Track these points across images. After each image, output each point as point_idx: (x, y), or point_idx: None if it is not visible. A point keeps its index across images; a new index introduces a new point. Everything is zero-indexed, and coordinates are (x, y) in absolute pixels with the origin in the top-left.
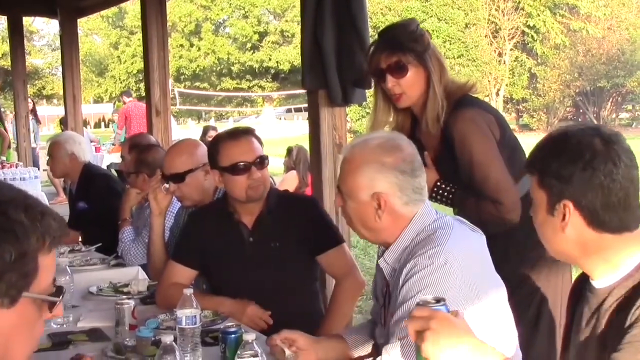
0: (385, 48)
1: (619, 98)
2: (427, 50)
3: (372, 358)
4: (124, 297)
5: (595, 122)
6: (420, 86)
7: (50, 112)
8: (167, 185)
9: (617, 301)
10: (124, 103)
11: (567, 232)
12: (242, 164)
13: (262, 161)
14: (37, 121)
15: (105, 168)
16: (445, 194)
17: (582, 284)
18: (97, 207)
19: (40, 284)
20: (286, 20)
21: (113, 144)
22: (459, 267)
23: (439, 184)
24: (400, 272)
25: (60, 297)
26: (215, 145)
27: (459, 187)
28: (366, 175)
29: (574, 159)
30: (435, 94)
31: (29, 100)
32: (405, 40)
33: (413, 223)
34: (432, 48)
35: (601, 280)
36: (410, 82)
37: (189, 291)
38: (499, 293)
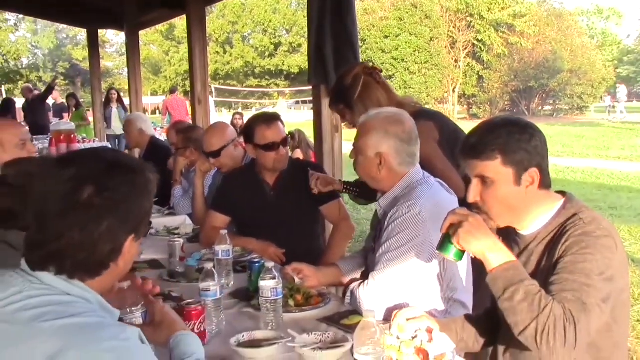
0: (329, 101)
1: (544, 95)
2: (354, 98)
3: (360, 281)
4: (175, 237)
5: (527, 113)
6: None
7: None
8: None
9: (542, 244)
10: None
11: (528, 194)
12: (272, 143)
13: (285, 141)
14: (124, 109)
15: None
16: None
17: (508, 232)
18: (157, 170)
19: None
20: (293, 35)
21: (161, 127)
22: (430, 217)
23: None
24: (388, 213)
25: (150, 226)
26: (252, 126)
27: None
28: (374, 138)
29: (532, 135)
30: None
31: (114, 91)
32: (336, 97)
33: (404, 180)
34: (362, 91)
35: (527, 229)
36: (350, 120)
37: (224, 232)
38: None
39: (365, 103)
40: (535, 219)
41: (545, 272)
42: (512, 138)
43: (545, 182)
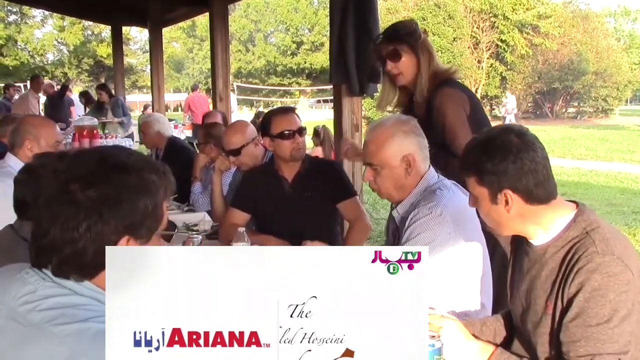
0: (385, 39)
1: (568, 97)
2: (418, 42)
3: None
4: (194, 233)
5: (550, 115)
6: (413, 69)
7: (141, 99)
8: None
9: (554, 259)
10: (191, 94)
11: (511, 212)
12: (288, 131)
13: (301, 130)
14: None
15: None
16: None
17: (521, 242)
18: (177, 170)
19: (164, 223)
20: (315, 34)
21: (183, 124)
22: (451, 219)
23: None
24: (407, 218)
25: (175, 231)
26: (268, 118)
27: (432, 147)
28: (395, 144)
29: (504, 156)
30: (422, 75)
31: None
32: (400, 33)
33: (420, 184)
34: (424, 40)
35: (537, 240)
36: (404, 65)
37: (241, 229)
38: (479, 246)
39: (429, 51)
40: (541, 232)
41: (559, 296)
42: (481, 159)
43: (533, 199)
